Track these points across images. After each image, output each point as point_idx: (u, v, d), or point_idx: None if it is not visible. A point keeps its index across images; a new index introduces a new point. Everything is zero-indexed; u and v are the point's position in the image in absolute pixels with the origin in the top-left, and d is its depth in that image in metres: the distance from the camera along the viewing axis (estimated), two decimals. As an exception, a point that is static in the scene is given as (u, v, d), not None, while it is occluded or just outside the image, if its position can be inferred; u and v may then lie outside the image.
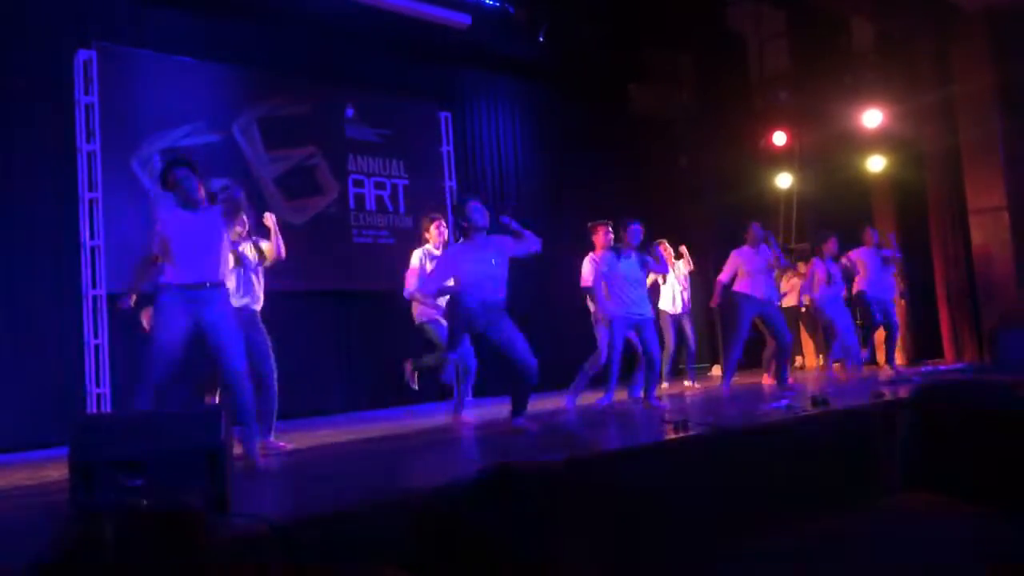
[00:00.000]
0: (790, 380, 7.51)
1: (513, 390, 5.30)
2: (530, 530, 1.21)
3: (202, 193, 4.40)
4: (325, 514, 2.78)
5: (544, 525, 1.23)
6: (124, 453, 2.77)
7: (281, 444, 5.07)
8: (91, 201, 7.13)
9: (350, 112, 9.12)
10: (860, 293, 8.68)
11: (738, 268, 7.61)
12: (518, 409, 5.23)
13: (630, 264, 6.43)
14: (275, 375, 5.09)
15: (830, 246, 8.49)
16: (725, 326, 8.77)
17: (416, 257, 6.32)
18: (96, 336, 6.98)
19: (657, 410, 6.12)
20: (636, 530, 3.48)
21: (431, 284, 5.52)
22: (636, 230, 6.52)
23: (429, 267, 5.99)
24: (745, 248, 7.70)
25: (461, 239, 5.46)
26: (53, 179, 7.01)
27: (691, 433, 4.35)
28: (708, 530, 3.73)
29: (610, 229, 6.88)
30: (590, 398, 6.72)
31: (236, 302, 4.82)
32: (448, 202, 9.59)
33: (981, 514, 1.07)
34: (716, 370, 9.94)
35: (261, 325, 5.15)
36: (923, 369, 9.28)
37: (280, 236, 5.23)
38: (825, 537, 1.03)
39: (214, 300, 4.27)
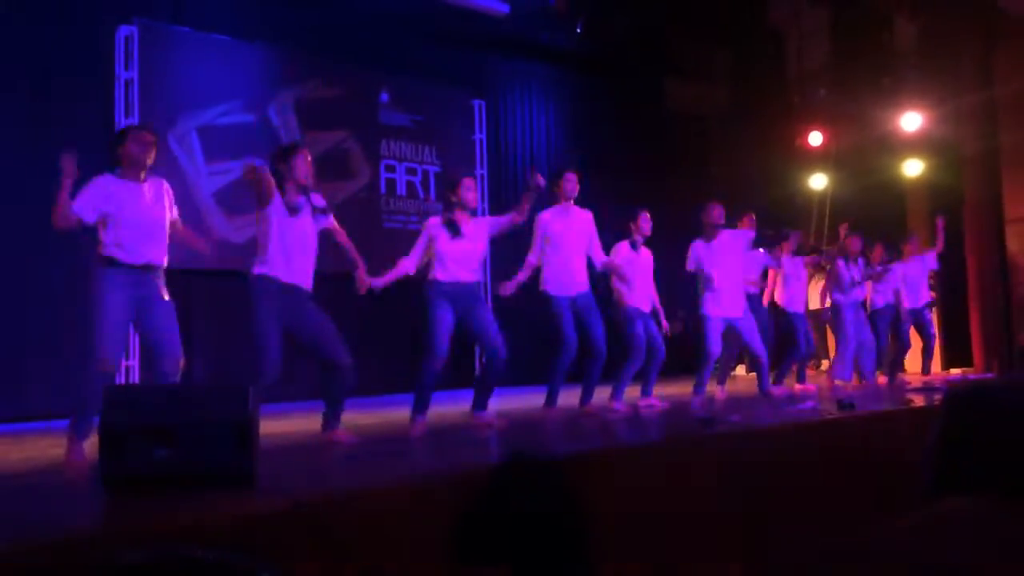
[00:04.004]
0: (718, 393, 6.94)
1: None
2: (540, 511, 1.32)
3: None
4: (349, 492, 2.81)
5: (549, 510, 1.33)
6: (153, 422, 2.80)
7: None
8: (127, 176, 7.21)
9: (385, 97, 9.15)
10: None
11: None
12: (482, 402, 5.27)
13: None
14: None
15: (853, 245, 8.09)
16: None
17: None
18: (127, 310, 7.07)
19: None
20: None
21: None
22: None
23: None
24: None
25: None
26: (90, 153, 7.06)
27: (717, 431, 4.34)
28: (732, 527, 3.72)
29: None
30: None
31: None
32: (481, 190, 9.59)
33: (1017, 519, 1.05)
34: (740, 370, 9.87)
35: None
36: (951, 377, 9.17)
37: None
38: (866, 541, 1.03)
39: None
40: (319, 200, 4.56)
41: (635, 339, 6.08)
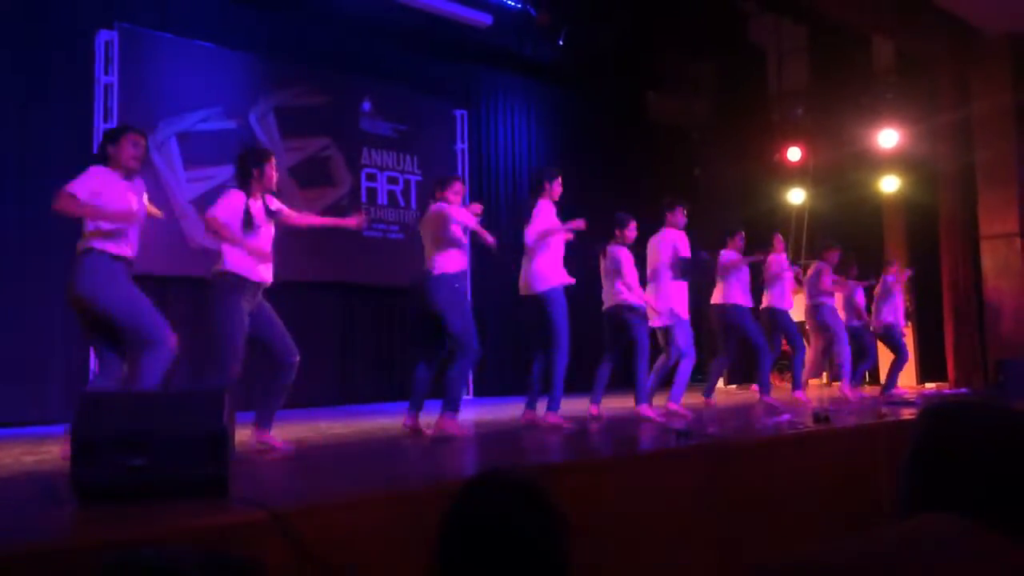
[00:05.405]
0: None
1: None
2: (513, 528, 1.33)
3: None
4: (325, 502, 2.78)
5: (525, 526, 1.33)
6: (127, 431, 2.77)
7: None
8: (105, 181, 7.15)
9: (367, 106, 9.14)
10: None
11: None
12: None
13: None
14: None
15: (832, 256, 8.26)
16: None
17: None
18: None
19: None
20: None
21: None
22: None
23: None
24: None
25: None
26: (69, 157, 7.03)
27: (692, 443, 4.34)
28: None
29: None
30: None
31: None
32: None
33: (992, 536, 1.06)
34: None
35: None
36: (925, 392, 9.25)
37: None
38: (838, 557, 1.03)
39: None
40: (272, 202, 4.60)
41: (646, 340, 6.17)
